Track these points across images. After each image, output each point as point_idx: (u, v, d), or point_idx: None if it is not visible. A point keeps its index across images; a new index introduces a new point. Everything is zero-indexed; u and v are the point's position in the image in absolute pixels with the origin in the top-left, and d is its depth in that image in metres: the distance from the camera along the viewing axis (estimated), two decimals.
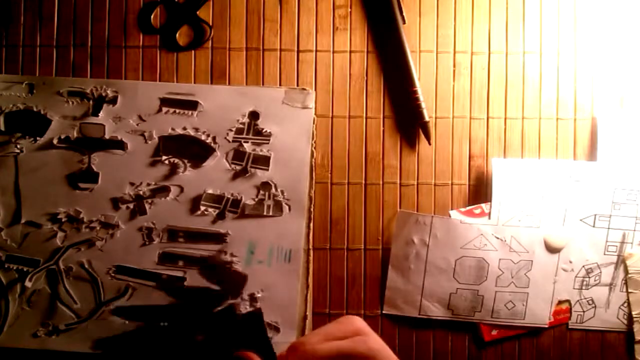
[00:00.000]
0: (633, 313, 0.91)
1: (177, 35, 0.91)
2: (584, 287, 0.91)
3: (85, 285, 0.89)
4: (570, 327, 0.92)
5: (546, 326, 0.91)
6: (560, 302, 0.91)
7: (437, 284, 0.91)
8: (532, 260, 0.90)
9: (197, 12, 0.91)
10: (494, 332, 0.91)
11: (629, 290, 0.91)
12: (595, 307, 0.91)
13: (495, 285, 0.90)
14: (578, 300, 0.91)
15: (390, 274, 0.91)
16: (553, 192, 0.90)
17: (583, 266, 0.91)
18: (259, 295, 0.89)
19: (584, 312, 0.91)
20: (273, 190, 0.90)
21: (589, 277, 0.91)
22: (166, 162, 0.89)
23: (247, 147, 0.90)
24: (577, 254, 0.91)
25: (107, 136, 0.89)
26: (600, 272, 0.91)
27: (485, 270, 0.90)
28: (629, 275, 0.91)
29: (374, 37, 0.93)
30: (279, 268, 0.89)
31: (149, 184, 0.89)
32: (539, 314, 0.91)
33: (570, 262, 0.91)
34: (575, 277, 0.91)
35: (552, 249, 0.90)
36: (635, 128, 0.91)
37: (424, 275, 0.91)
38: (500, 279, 0.90)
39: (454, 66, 0.93)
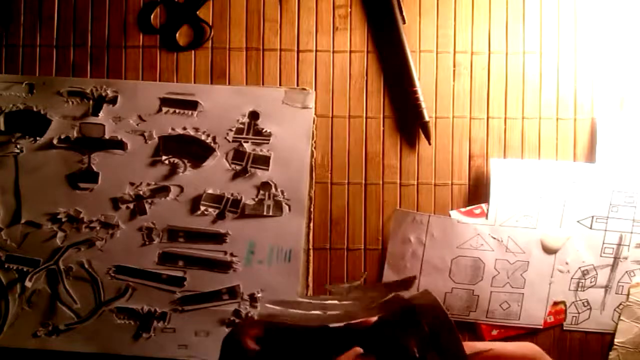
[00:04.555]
0: (616, 341, 0.92)
1: (177, 35, 0.91)
2: (579, 289, 0.92)
3: (85, 285, 0.89)
4: (565, 328, 0.92)
5: (541, 327, 0.92)
6: (555, 303, 0.92)
7: (433, 283, 0.91)
8: (528, 261, 0.91)
9: (197, 12, 0.91)
10: (494, 332, 0.92)
11: (621, 318, 0.92)
12: (590, 308, 0.92)
13: (490, 285, 0.91)
14: (573, 302, 0.92)
15: (386, 272, 0.92)
16: (551, 193, 0.91)
17: (579, 268, 0.91)
18: (259, 295, 0.90)
19: (579, 313, 0.92)
20: (273, 190, 0.90)
21: (585, 279, 0.92)
22: (166, 162, 0.89)
23: (247, 147, 0.90)
24: (573, 255, 0.91)
25: (107, 136, 0.89)
26: (596, 274, 0.92)
27: (481, 270, 0.91)
28: (628, 304, 0.92)
29: (374, 37, 0.92)
30: (279, 268, 0.90)
31: (149, 184, 0.89)
32: (534, 314, 0.91)
33: (567, 263, 0.91)
34: (571, 278, 0.92)
35: (548, 250, 0.91)
36: (634, 130, 0.91)
37: (419, 274, 0.91)
38: (496, 279, 0.91)
39: (454, 66, 0.93)
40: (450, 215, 0.92)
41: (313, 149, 0.91)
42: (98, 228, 0.89)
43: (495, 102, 0.93)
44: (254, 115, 0.90)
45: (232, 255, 0.90)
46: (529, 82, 0.93)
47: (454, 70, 0.93)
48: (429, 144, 0.92)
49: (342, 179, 0.92)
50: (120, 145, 0.89)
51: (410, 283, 0.61)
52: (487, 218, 0.91)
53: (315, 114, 0.91)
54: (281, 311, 0.59)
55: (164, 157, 0.90)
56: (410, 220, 0.92)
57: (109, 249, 0.89)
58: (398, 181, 0.93)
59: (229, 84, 0.91)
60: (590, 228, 0.91)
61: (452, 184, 0.93)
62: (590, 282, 0.92)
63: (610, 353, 0.92)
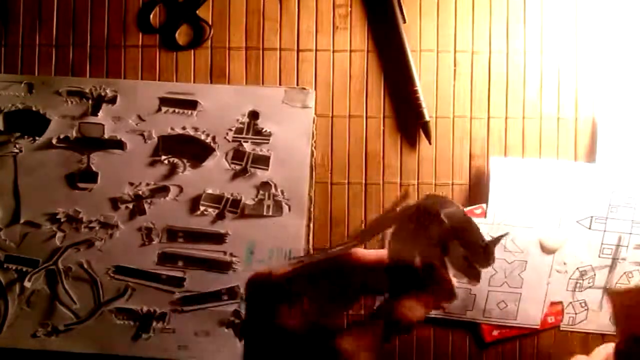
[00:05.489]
0: None
1: (177, 34, 0.90)
2: (577, 289, 0.92)
3: (85, 285, 0.89)
4: (561, 328, 0.93)
5: (538, 327, 0.92)
6: (553, 304, 0.92)
7: None
8: (526, 261, 0.91)
9: (197, 11, 0.90)
10: (495, 333, 0.92)
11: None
12: (587, 309, 0.92)
13: (488, 285, 0.91)
14: (571, 302, 0.92)
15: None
16: (550, 193, 0.91)
17: (577, 268, 0.92)
18: None
19: (576, 314, 0.92)
20: (273, 190, 0.90)
21: (583, 280, 0.92)
22: (165, 162, 0.89)
23: (247, 147, 0.90)
24: (571, 255, 0.91)
25: (106, 136, 0.89)
26: (595, 275, 0.92)
27: None
28: None
29: (374, 36, 0.92)
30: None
31: (148, 184, 0.89)
32: (531, 314, 0.92)
33: (565, 263, 0.91)
34: (569, 278, 0.92)
35: (547, 250, 0.91)
36: (635, 130, 0.91)
37: None
38: (494, 279, 0.91)
39: (455, 65, 0.93)
40: None
41: (313, 149, 0.91)
42: (97, 228, 0.89)
43: (495, 101, 0.93)
44: (253, 115, 0.90)
45: (231, 255, 0.90)
46: (530, 81, 0.93)
47: (454, 70, 0.93)
48: (430, 143, 0.92)
49: (342, 179, 0.92)
50: (119, 145, 0.89)
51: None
52: (485, 217, 0.91)
53: (315, 113, 0.91)
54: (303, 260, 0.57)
55: (163, 157, 0.89)
56: None
57: (108, 249, 0.89)
58: (398, 181, 0.92)
59: (229, 83, 0.91)
60: (589, 228, 0.91)
61: (452, 184, 0.93)
62: (588, 283, 0.92)
63: None
